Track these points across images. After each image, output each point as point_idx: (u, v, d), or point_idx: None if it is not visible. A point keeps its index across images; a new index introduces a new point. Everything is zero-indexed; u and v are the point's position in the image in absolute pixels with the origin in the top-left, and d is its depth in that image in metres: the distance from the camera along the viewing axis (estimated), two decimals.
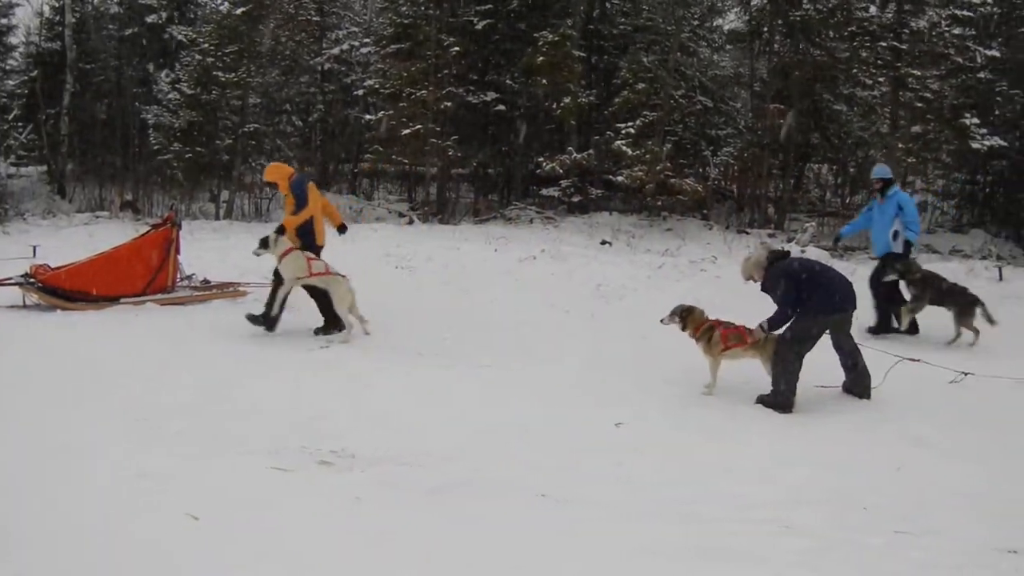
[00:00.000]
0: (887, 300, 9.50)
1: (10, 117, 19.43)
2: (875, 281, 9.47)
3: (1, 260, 12.14)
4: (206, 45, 17.78)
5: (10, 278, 10.24)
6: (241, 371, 7.11)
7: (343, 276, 8.75)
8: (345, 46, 18.96)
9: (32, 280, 10.09)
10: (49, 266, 10.46)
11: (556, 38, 15.41)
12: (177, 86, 18.25)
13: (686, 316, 7.14)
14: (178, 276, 10.71)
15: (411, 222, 15.97)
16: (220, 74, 17.30)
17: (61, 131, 20.57)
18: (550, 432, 5.72)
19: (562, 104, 15.75)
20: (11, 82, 21.13)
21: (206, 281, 10.95)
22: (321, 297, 8.70)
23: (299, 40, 18.72)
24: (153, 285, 10.44)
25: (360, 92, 18.22)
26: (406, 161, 17.42)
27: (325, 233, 9.39)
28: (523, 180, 17.87)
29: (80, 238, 15.19)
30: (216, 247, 13.78)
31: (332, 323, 8.64)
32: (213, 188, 18.34)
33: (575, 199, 16.58)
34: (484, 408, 6.27)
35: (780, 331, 6.43)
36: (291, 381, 6.78)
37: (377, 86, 17.10)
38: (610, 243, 14.36)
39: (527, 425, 5.85)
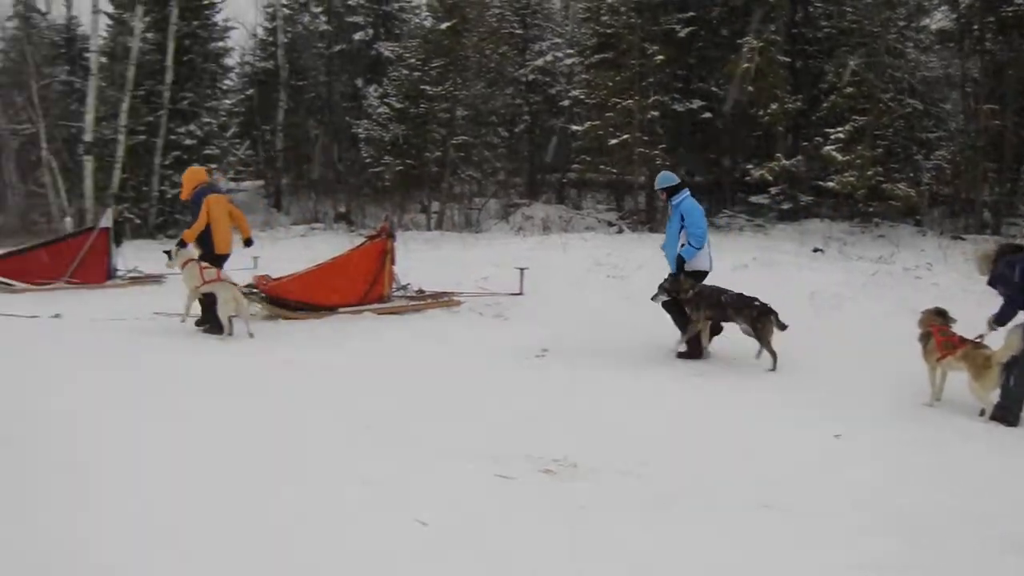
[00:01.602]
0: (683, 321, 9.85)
1: (228, 134, 24.49)
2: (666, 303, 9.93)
3: (225, 271, 15.91)
4: (413, 60, 22.02)
5: None
6: (457, 380, 8.36)
7: (233, 284, 10.64)
8: (549, 57, 22.40)
9: (255, 290, 11.91)
10: (270, 277, 12.44)
11: (760, 44, 17.83)
12: (386, 100, 22.55)
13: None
14: (394, 286, 12.55)
15: (620, 231, 18.78)
16: (428, 88, 21.29)
17: (277, 146, 25.74)
18: (768, 442, 6.49)
19: (769, 110, 18.07)
20: (228, 101, 26.17)
21: (421, 291, 12.84)
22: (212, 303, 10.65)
23: (503, 52, 22.34)
24: (370, 295, 12.26)
25: (566, 103, 21.53)
26: (614, 170, 20.28)
27: (230, 242, 11.50)
28: (731, 187, 20.25)
29: (297, 250, 18.71)
30: (429, 258, 16.34)
31: (214, 325, 10.61)
32: (423, 199, 22.20)
33: (785, 206, 18.77)
34: (699, 417, 7.17)
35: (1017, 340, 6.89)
36: (506, 390, 7.93)
37: (582, 96, 20.31)
38: (822, 250, 15.92)
39: (744, 434, 6.68)
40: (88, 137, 21.69)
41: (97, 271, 15.52)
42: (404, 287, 12.78)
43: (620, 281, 13.61)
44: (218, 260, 11.29)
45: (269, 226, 23.34)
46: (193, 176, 11.76)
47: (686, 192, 10.16)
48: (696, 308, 9.54)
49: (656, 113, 19.35)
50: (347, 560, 4.26)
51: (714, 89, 19.84)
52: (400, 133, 21.77)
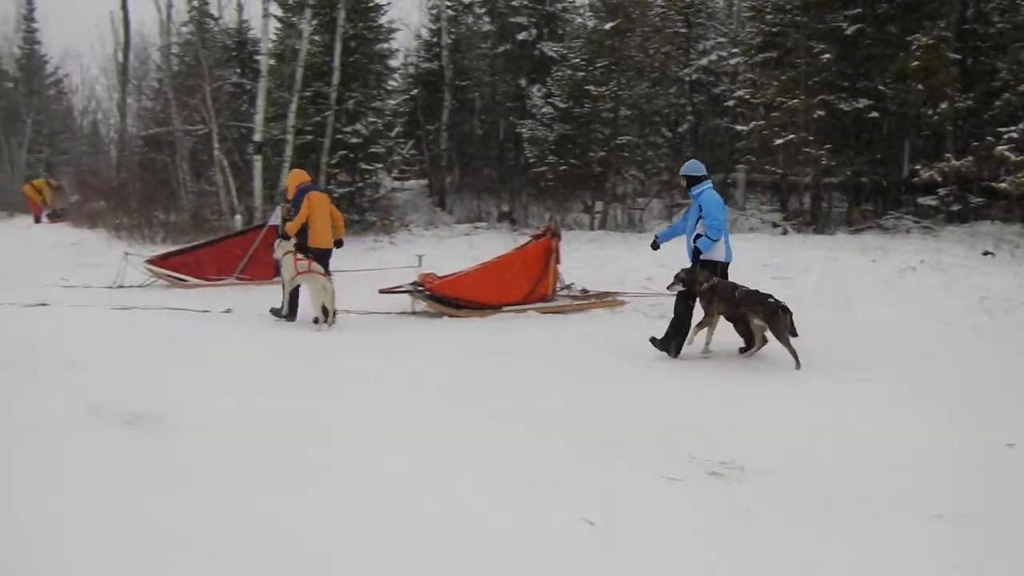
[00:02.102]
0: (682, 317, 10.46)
1: (393, 134, 26.17)
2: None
3: (390, 269, 16.20)
4: (577, 60, 23.39)
5: (400, 286, 13.45)
6: (621, 380, 8.93)
7: (322, 275, 12.19)
8: (713, 57, 23.44)
9: (421, 288, 13.02)
10: (436, 275, 13.47)
11: (930, 41, 18.41)
12: (550, 100, 23.94)
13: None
14: (558, 285, 13.34)
15: (785, 232, 19.67)
16: (591, 88, 22.55)
17: (440, 146, 27.60)
18: (935, 448, 6.61)
19: (939, 109, 18.63)
20: (392, 101, 27.83)
21: (585, 290, 13.56)
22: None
23: (667, 52, 23.39)
24: (534, 294, 13.11)
25: (730, 103, 22.55)
26: (779, 171, 21.19)
27: (327, 239, 13.05)
28: (898, 188, 20.79)
29: (461, 248, 20.37)
30: (592, 257, 17.21)
31: (291, 311, 12.39)
32: (586, 199, 23.53)
33: (954, 208, 19.26)
34: (864, 421, 7.38)
35: None
36: (670, 391, 8.43)
37: (747, 96, 21.27)
38: (992, 254, 16.11)
39: (910, 440, 6.83)
40: (258, 137, 23.50)
41: (265, 268, 16.64)
42: (568, 286, 13.54)
43: (785, 283, 13.85)
44: (316, 254, 12.90)
45: (433, 225, 25.15)
46: (296, 177, 13.88)
47: (707, 184, 10.70)
48: (709, 301, 10.13)
49: (822, 112, 19.99)
50: (515, 557, 4.55)
51: (881, 88, 20.37)
52: (563, 133, 23.04)
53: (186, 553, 4.38)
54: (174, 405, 7.04)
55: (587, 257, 17.16)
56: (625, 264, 16.47)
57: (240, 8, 30.78)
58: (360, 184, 25.50)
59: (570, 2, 28.17)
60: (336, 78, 24.77)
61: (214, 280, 16.55)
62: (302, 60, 23.87)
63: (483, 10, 29.17)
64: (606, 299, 13.28)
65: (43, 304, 13.41)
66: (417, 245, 21.49)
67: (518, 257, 13.42)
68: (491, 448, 6.37)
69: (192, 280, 16.47)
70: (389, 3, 27.08)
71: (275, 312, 12.69)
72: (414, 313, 13.08)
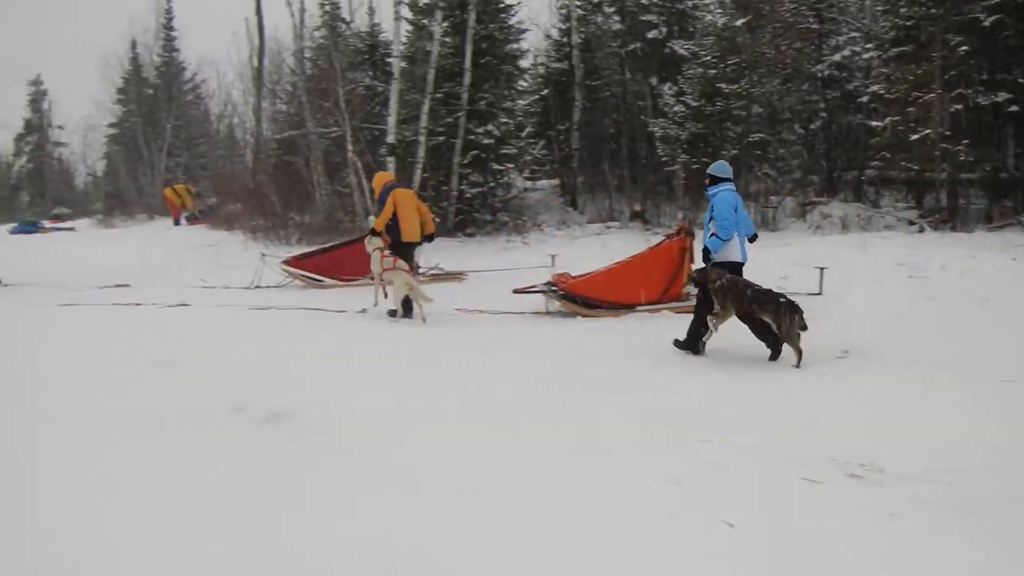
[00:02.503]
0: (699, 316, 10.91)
1: (524, 134, 27.37)
2: None
3: (523, 269, 17.14)
4: (708, 58, 24.18)
5: (534, 286, 14.00)
6: (756, 380, 8.99)
7: (406, 271, 13.34)
8: (846, 52, 23.76)
9: (554, 288, 13.49)
10: (569, 275, 13.93)
11: None
12: (681, 99, 24.78)
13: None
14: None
15: (922, 230, 19.88)
16: (723, 85, 23.31)
17: (572, 145, 28.59)
18: None
19: None
20: (523, 101, 29.12)
21: None
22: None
23: (798, 48, 23.84)
24: (668, 293, 13.39)
25: (864, 99, 22.78)
26: (914, 167, 21.22)
27: (416, 231, 14.32)
28: None
29: (594, 248, 21.01)
30: None
31: (406, 310, 13.28)
32: None
33: None
34: (1003, 424, 7.27)
35: None
36: (807, 391, 8.41)
37: (881, 91, 21.55)
38: None
39: None
40: (391, 138, 24.74)
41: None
42: None
43: (922, 281, 14.11)
44: (405, 247, 14.22)
45: (565, 224, 26.16)
46: (382, 178, 15.63)
47: (725, 185, 11.03)
48: (723, 298, 10.46)
49: (959, 107, 20.16)
50: (657, 557, 4.71)
51: (1021, 81, 20.38)
52: (695, 131, 23.76)
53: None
54: (312, 404, 7.71)
55: None
56: (757, 262, 16.07)
57: (371, 12, 32.47)
58: (492, 184, 26.73)
59: (700, 0, 28.81)
60: (467, 79, 26.01)
61: (349, 280, 17.42)
62: (434, 62, 25.11)
63: (612, 9, 30.06)
64: None
65: (184, 304, 14.69)
66: (549, 245, 22.43)
67: (652, 256, 13.66)
68: (626, 448, 6.56)
69: (327, 280, 17.45)
70: (519, 3, 28.47)
71: (391, 314, 13.51)
72: (547, 313, 13.47)
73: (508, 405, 8.01)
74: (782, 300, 10.19)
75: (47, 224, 48.99)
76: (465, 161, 26.10)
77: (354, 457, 6.46)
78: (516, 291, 13.88)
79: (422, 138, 24.90)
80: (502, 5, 27.58)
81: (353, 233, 22.75)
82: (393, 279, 13.48)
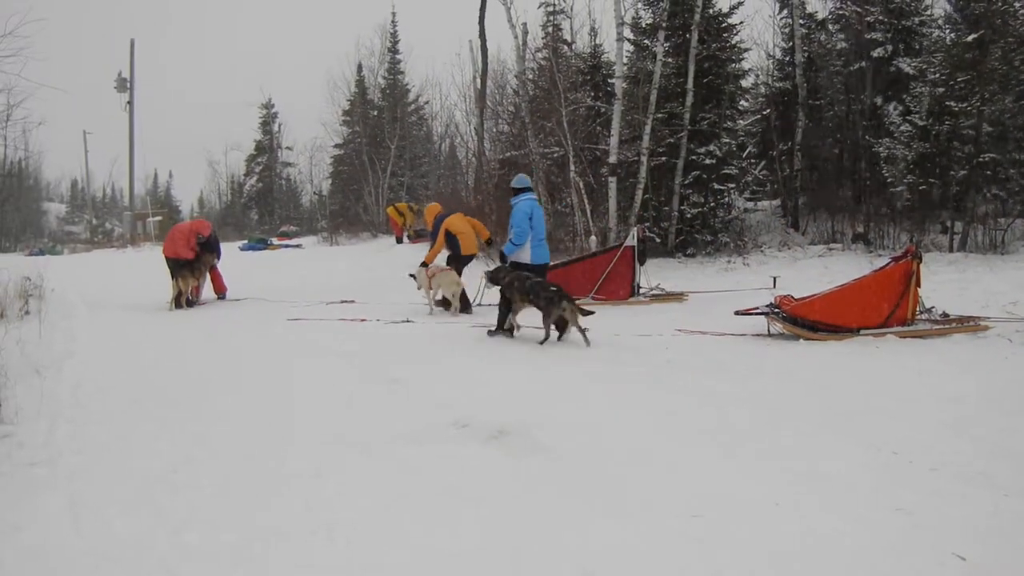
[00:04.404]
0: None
1: (744, 154, 27.82)
2: None
3: (746, 291, 17.66)
4: (936, 75, 24.00)
5: (757, 308, 14.04)
6: (982, 406, 8.65)
7: (449, 269, 16.57)
8: None
9: (777, 310, 13.49)
10: (792, 297, 13.83)
11: None
12: (908, 118, 24.70)
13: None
14: (918, 309, 13.28)
15: None
16: (952, 104, 23.15)
17: (793, 166, 28.86)
18: None
19: None
20: (744, 121, 29.64)
21: (945, 315, 13.45)
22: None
23: None
24: (894, 317, 13.11)
25: None
26: None
27: (474, 245, 17.56)
28: None
29: (815, 270, 21.28)
30: (952, 280, 17.44)
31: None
32: (945, 220, 23.97)
33: None
34: None
35: None
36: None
37: None
38: None
39: None
40: (612, 159, 25.56)
41: (622, 288, 18.48)
42: (928, 310, 13.48)
43: None
44: (464, 260, 17.40)
45: (786, 246, 26.33)
46: (432, 210, 18.62)
47: (525, 195, 14.15)
48: (511, 292, 13.07)
49: None
50: None
51: None
52: (922, 151, 23.58)
53: None
54: (535, 422, 7.90)
55: (946, 280, 17.33)
56: (987, 288, 16.52)
57: (594, 33, 33.04)
58: (712, 205, 27.20)
59: (928, 15, 28.67)
60: (689, 99, 26.75)
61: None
62: (656, 82, 26.00)
63: (837, 27, 30.31)
64: (968, 324, 13.14)
65: (408, 321, 15.77)
66: (770, 266, 22.67)
67: (877, 279, 13.45)
68: (847, 476, 6.43)
69: None
70: (742, 23, 28.98)
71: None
72: (770, 335, 13.47)
73: (738, 430, 7.88)
74: (551, 289, 12.63)
75: (275, 241, 51.54)
76: (686, 182, 26.77)
77: (577, 475, 6.54)
78: (738, 313, 13.98)
79: (644, 158, 25.70)
80: (725, 25, 28.13)
81: (573, 252, 23.35)
82: (442, 279, 16.89)
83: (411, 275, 17.66)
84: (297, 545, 5.36)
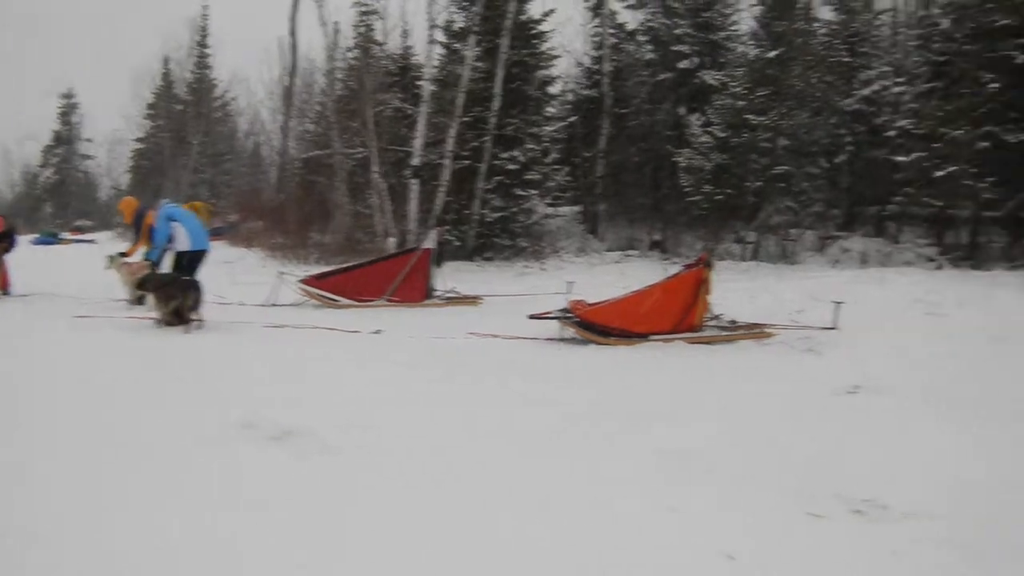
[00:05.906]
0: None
1: (548, 160, 27.83)
2: None
3: (541, 295, 16.83)
4: (738, 89, 24.68)
5: (550, 312, 13.66)
6: (764, 412, 8.74)
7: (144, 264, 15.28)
8: (876, 86, 24.17)
9: (570, 315, 13.22)
10: (586, 302, 13.72)
11: None
12: (708, 129, 25.25)
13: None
14: (706, 315, 13.17)
15: (940, 267, 20.09)
16: (751, 116, 23.81)
17: (596, 173, 29.17)
18: None
19: None
20: (549, 128, 29.47)
21: (733, 322, 13.39)
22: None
23: (829, 81, 24.39)
24: (683, 324, 12.98)
25: (891, 133, 22.99)
26: (937, 203, 21.38)
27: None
28: None
29: (611, 276, 21.19)
30: (744, 288, 17.38)
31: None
32: (738, 229, 24.57)
33: None
34: (1017, 465, 7.09)
35: None
36: (813, 425, 8.25)
37: (909, 126, 21.92)
38: None
39: None
40: (416, 161, 25.40)
41: (417, 290, 17.99)
42: (716, 317, 13.48)
43: (939, 319, 13.94)
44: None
45: (584, 252, 26.60)
46: (128, 204, 17.49)
47: (162, 209, 14.60)
48: (153, 291, 13.18)
49: (986, 144, 20.48)
50: None
51: None
52: (720, 162, 24.20)
53: None
54: (323, 423, 7.44)
55: (737, 288, 17.34)
56: (777, 296, 16.62)
57: (405, 34, 32.87)
58: (514, 210, 27.15)
59: (734, 31, 29.47)
60: (496, 104, 26.61)
61: (365, 301, 17.64)
62: (464, 86, 25.86)
63: (646, 38, 30.75)
64: (754, 331, 13.22)
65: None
66: (567, 272, 22.58)
67: (669, 286, 13.35)
68: (627, 476, 6.43)
69: (343, 300, 17.57)
70: (553, 30, 29.03)
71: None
72: (562, 339, 13.16)
73: (522, 430, 7.65)
74: (177, 284, 13.06)
75: (68, 236, 49.92)
76: (489, 186, 26.67)
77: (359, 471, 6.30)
78: (532, 317, 13.76)
79: (447, 161, 25.54)
80: (536, 31, 28.24)
81: (371, 254, 23.17)
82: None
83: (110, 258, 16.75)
84: None
